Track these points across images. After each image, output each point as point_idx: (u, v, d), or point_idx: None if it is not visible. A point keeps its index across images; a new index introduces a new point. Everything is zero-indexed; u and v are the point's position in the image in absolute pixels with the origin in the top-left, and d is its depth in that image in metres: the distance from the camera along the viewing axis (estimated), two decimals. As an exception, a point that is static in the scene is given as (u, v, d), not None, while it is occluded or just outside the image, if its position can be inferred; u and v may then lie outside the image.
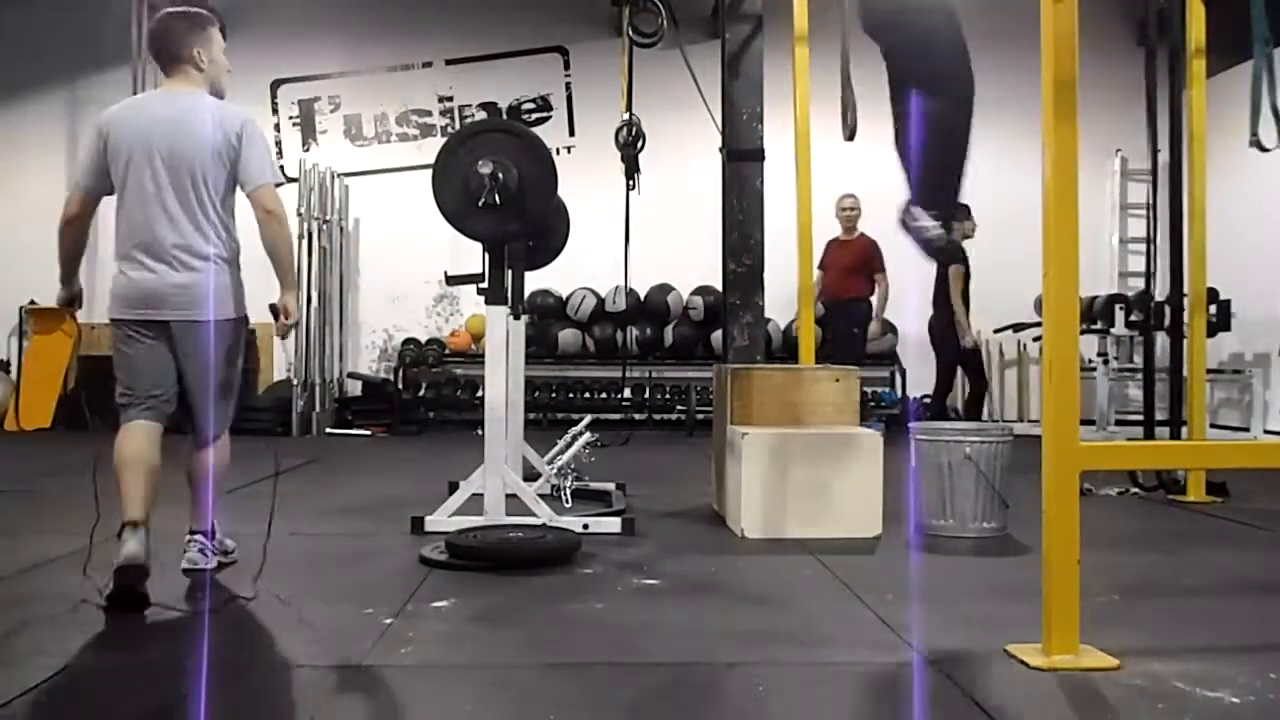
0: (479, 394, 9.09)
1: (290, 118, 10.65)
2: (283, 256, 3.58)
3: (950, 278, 7.51)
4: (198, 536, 3.60)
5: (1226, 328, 8.65)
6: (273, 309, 3.56)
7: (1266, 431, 9.14)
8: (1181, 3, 5.35)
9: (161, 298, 3.42)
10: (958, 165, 3.57)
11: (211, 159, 3.44)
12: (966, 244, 7.50)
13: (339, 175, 10.30)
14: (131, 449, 3.43)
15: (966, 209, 7.38)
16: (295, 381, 9.51)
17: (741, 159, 5.53)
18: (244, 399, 8.09)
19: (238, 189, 3.52)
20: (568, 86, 10.66)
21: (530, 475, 5.21)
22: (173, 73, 3.61)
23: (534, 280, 7.50)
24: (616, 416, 9.72)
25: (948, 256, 7.31)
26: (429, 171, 4.45)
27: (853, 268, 8.37)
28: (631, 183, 7.09)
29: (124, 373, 3.51)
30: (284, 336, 3.68)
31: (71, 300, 3.83)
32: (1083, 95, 2.60)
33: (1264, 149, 4.73)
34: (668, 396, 10.07)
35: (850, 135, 4.57)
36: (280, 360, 10.22)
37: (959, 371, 8.20)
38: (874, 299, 8.51)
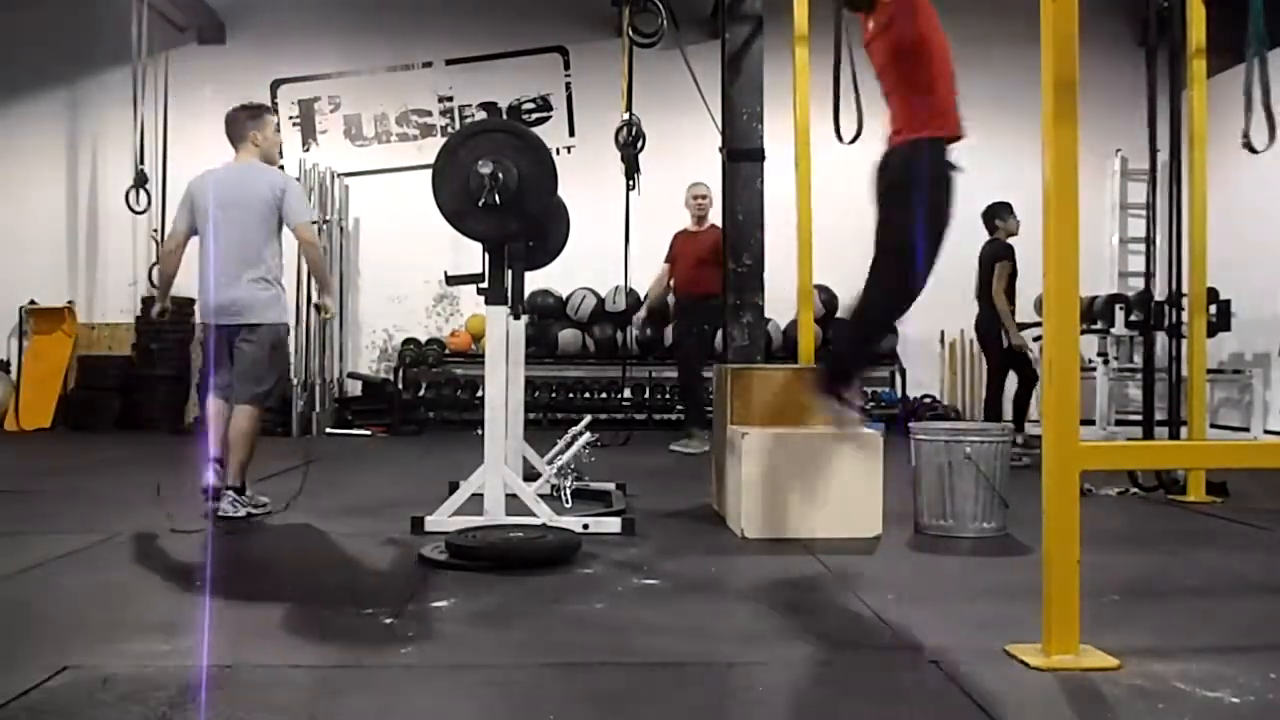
0: (479, 394, 9.09)
1: (290, 118, 10.66)
2: (318, 270, 5.24)
3: (995, 275, 7.34)
4: (229, 491, 4.68)
5: (1226, 328, 8.65)
6: (316, 306, 5.28)
7: (1266, 431, 9.14)
8: (1182, 3, 5.35)
9: (223, 308, 4.80)
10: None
11: (259, 210, 4.80)
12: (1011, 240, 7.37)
13: (339, 175, 10.31)
14: (213, 411, 4.84)
15: (1008, 206, 7.35)
16: (295, 381, 9.51)
17: (741, 159, 5.52)
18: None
19: (283, 228, 4.88)
20: (568, 86, 10.66)
21: (530, 475, 5.21)
22: (238, 148, 4.98)
23: (534, 280, 7.50)
24: (616, 416, 9.73)
25: (993, 254, 7.25)
26: (429, 171, 4.46)
27: (703, 259, 7.71)
28: (631, 183, 7.10)
29: (206, 361, 4.96)
30: (325, 324, 5.44)
31: (164, 312, 5.24)
32: (1083, 95, 2.60)
33: (1254, 150, 4.75)
34: (668, 396, 10.07)
35: (852, 140, 4.55)
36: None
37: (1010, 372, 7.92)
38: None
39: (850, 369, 4.16)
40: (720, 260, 7.49)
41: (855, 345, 4.21)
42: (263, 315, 4.81)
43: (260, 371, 4.82)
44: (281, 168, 5.17)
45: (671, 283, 8.34)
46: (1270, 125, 4.61)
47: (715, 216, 7.53)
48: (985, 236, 7.44)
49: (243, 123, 4.97)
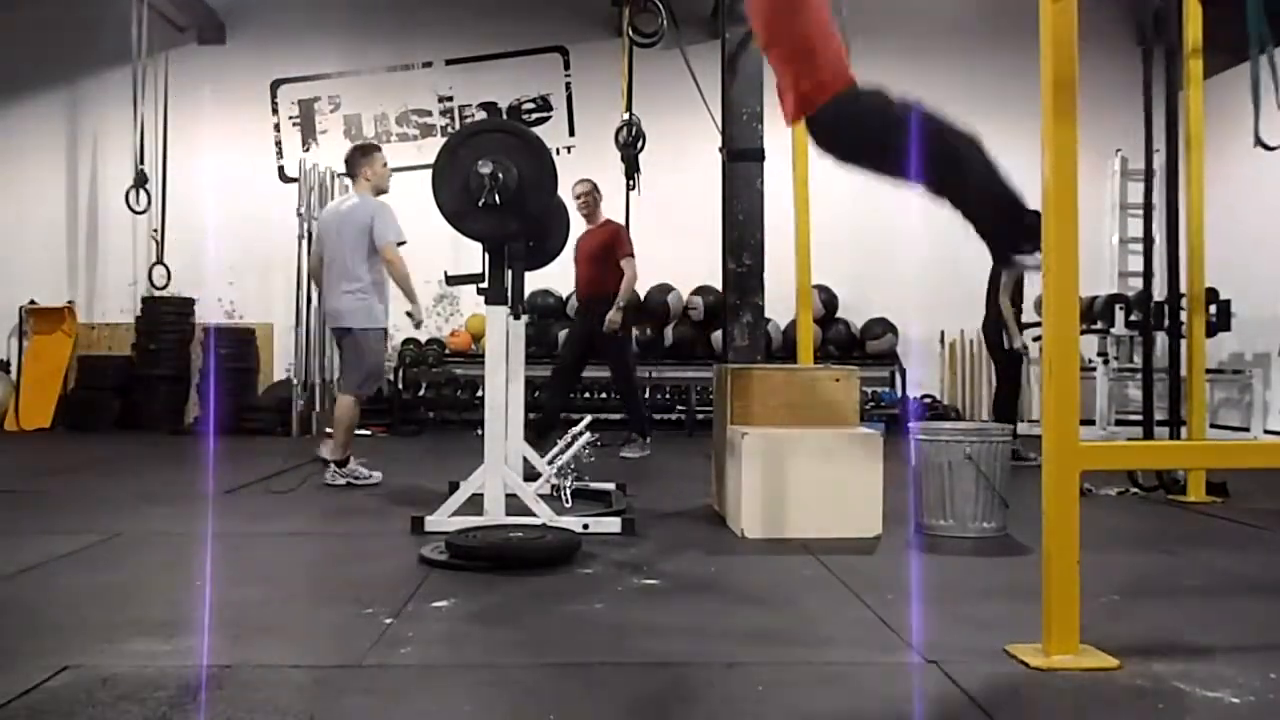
0: (479, 394, 9.09)
1: (290, 118, 10.66)
2: (402, 283, 5.92)
3: (1003, 277, 7.24)
4: (331, 464, 5.69)
5: (1226, 328, 8.65)
6: (408, 314, 6.03)
7: (1266, 431, 9.14)
8: (1179, 3, 5.35)
9: (327, 315, 6.23)
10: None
11: (354, 233, 5.80)
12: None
13: (339, 175, 10.30)
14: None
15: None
16: (295, 381, 9.51)
17: (741, 159, 5.53)
18: (247, 399, 8.25)
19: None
20: (568, 86, 10.66)
21: (530, 475, 5.21)
22: (354, 181, 6.02)
23: (534, 280, 7.50)
24: (616, 416, 9.73)
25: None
26: (429, 171, 4.46)
27: (596, 255, 7.32)
28: (631, 183, 7.10)
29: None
30: (418, 327, 6.34)
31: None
32: (1083, 95, 2.60)
33: (1269, 148, 4.71)
34: (668, 396, 10.07)
35: None
36: (280, 360, 10.23)
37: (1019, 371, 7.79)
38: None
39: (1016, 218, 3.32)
40: (612, 259, 7.17)
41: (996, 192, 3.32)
42: (352, 321, 5.80)
43: (352, 367, 5.89)
44: (384, 192, 6.02)
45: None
46: None
47: (610, 212, 7.36)
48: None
49: (356, 161, 5.98)
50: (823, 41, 3.32)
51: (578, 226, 6.96)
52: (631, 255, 7.28)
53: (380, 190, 5.96)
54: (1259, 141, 4.67)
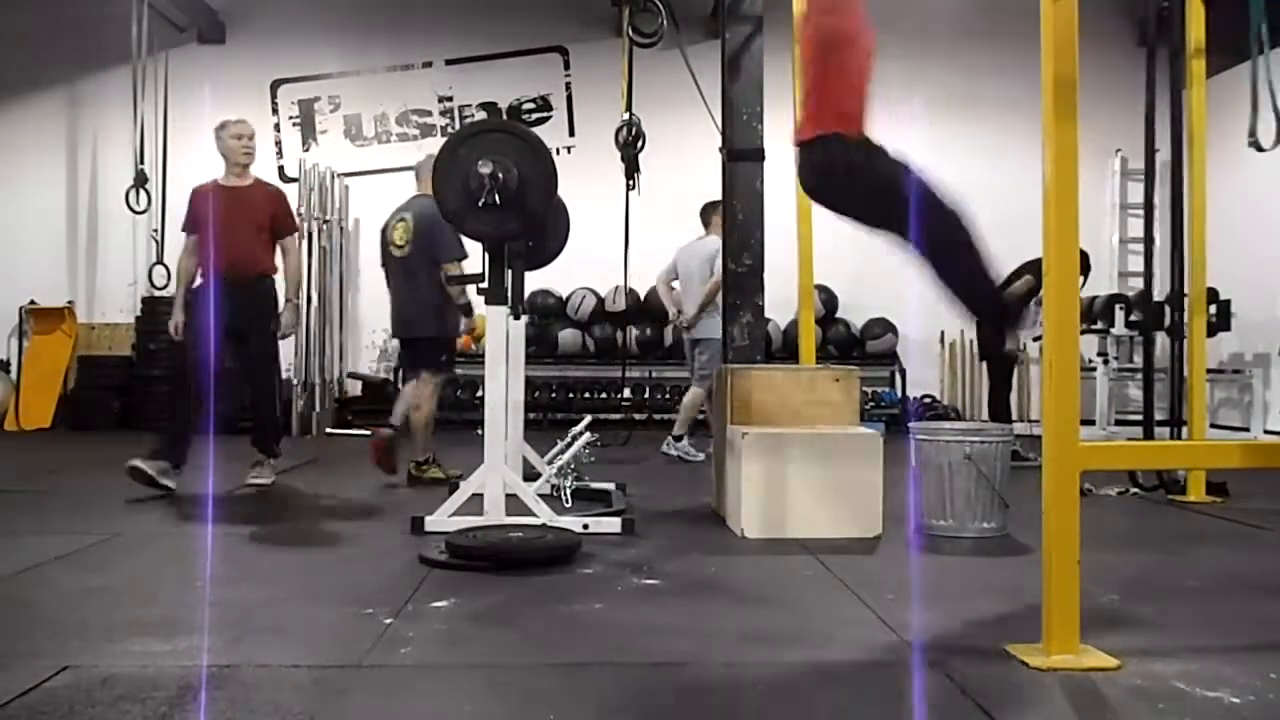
0: (479, 394, 9.08)
1: (290, 118, 10.66)
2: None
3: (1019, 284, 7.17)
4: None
5: (1226, 328, 8.65)
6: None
7: (1266, 431, 9.13)
8: (1181, 3, 5.35)
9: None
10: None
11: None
12: None
13: (339, 175, 10.31)
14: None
15: None
16: (295, 381, 9.51)
17: (741, 159, 5.52)
18: (245, 399, 8.10)
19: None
20: (568, 86, 10.66)
21: (530, 475, 5.21)
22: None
23: (534, 280, 7.51)
24: (616, 416, 9.73)
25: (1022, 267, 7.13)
26: (429, 172, 4.45)
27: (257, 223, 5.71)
28: (631, 183, 7.08)
29: None
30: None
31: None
32: (1083, 95, 2.60)
33: (1261, 149, 4.72)
34: (668, 396, 10.07)
35: None
36: (280, 360, 10.22)
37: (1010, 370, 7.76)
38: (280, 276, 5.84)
39: (996, 307, 3.66)
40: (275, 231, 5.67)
41: (977, 279, 3.49)
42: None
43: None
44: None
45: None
46: None
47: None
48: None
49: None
50: (859, 79, 3.43)
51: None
52: (295, 229, 5.95)
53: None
54: (1254, 143, 4.67)
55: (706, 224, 7.34)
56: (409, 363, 6.50)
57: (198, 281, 5.64)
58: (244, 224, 5.62)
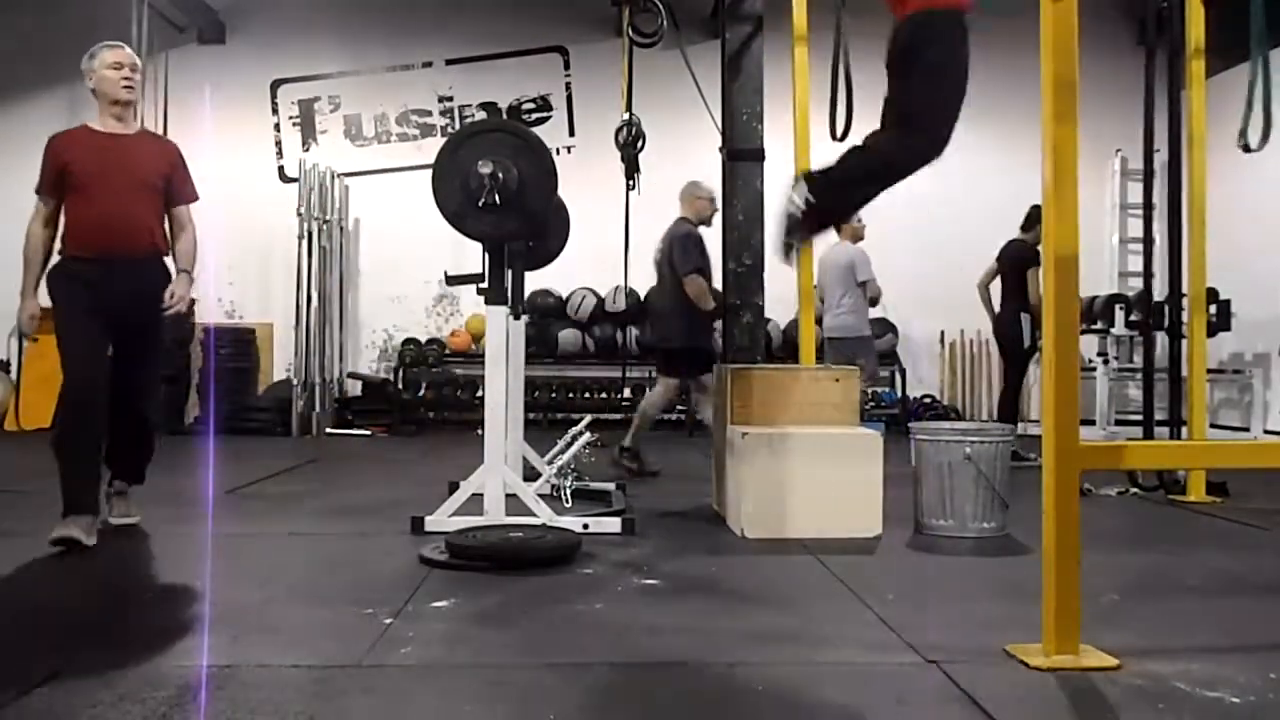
0: (479, 394, 9.09)
1: (290, 118, 10.66)
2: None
3: (1029, 280, 7.18)
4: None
5: (1226, 328, 8.65)
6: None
7: (1266, 431, 9.14)
8: (1181, 3, 5.35)
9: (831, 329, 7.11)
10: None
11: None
12: None
13: (339, 175, 10.30)
14: None
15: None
16: (295, 381, 9.51)
17: (741, 159, 5.53)
18: (246, 399, 8.02)
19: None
20: (568, 86, 10.66)
21: (530, 475, 5.21)
22: (839, 233, 6.94)
23: (534, 280, 7.50)
24: (616, 416, 9.73)
25: (1025, 259, 7.14)
26: (429, 171, 4.45)
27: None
28: (631, 183, 7.08)
29: None
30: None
31: None
32: (1083, 95, 2.60)
33: (1248, 149, 4.74)
34: (667, 396, 10.06)
35: (842, 136, 4.53)
36: (280, 360, 10.23)
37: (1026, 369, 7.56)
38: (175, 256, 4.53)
39: (836, 204, 3.54)
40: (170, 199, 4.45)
41: (854, 181, 3.43)
42: (845, 332, 7.33)
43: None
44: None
45: None
46: (1266, 125, 4.60)
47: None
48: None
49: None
50: None
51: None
52: (195, 197, 4.59)
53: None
54: (1243, 144, 4.69)
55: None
56: (659, 367, 6.95)
57: (54, 259, 4.41)
58: (127, 182, 4.35)
